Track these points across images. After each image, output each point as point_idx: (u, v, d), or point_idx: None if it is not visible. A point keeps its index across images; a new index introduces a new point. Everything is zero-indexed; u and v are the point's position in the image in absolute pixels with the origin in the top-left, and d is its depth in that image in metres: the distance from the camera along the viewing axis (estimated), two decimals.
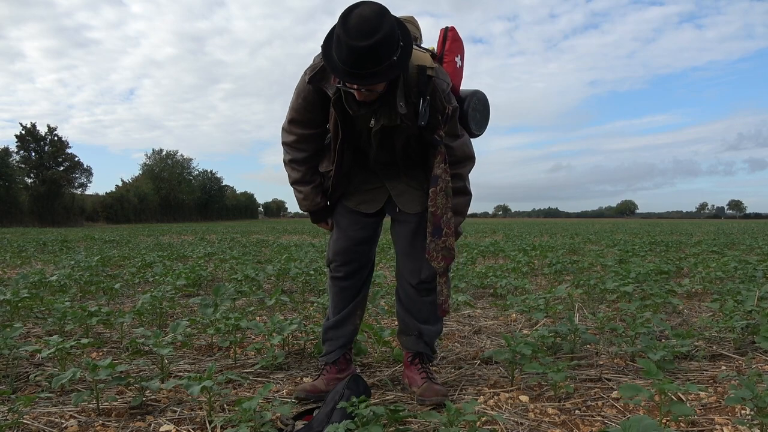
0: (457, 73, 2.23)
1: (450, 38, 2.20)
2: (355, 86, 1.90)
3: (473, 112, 2.30)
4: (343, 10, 1.81)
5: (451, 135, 2.20)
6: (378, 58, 1.78)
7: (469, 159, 2.29)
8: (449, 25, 2.23)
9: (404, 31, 1.89)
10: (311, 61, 2.12)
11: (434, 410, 2.10)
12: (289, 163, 2.34)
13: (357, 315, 2.44)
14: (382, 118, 2.07)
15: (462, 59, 2.26)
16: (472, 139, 2.33)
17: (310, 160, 2.32)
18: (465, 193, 2.30)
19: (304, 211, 2.43)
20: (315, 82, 2.07)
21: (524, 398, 2.25)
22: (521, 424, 1.98)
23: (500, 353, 2.49)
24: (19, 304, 3.88)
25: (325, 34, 1.92)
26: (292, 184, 2.37)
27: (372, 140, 2.17)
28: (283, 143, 2.32)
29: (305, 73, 2.10)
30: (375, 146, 2.19)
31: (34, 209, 47.58)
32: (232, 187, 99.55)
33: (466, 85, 2.34)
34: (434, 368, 2.66)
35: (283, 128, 2.30)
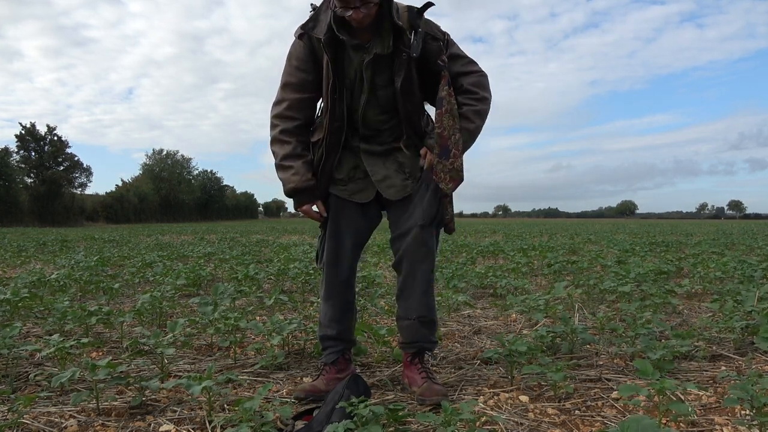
0: None
1: None
2: (353, 5, 1.98)
3: None
4: None
5: (469, 62, 2.24)
6: None
7: (489, 87, 2.28)
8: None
9: None
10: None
11: (432, 411, 2.10)
12: (278, 137, 2.26)
13: (353, 328, 2.44)
14: (374, 47, 2.12)
15: None
16: None
17: (300, 131, 2.27)
18: (485, 105, 2.26)
19: (291, 192, 2.25)
20: (308, 30, 2.13)
21: (524, 398, 2.25)
22: (521, 424, 1.98)
23: (491, 352, 2.50)
24: (19, 304, 3.88)
25: None
26: (280, 160, 2.25)
27: (365, 80, 2.16)
28: (273, 117, 2.28)
29: (295, 34, 2.20)
30: (367, 88, 2.18)
31: (34, 209, 47.59)
32: (232, 187, 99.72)
33: None
34: (434, 368, 2.66)
35: (273, 104, 2.29)
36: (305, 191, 2.25)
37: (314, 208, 2.31)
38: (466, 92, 2.22)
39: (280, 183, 2.29)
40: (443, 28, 2.23)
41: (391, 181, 2.28)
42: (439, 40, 2.15)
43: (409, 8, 2.15)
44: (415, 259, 2.28)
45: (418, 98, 2.24)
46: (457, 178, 2.20)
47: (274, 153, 2.29)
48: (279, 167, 2.27)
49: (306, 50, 2.19)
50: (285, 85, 2.26)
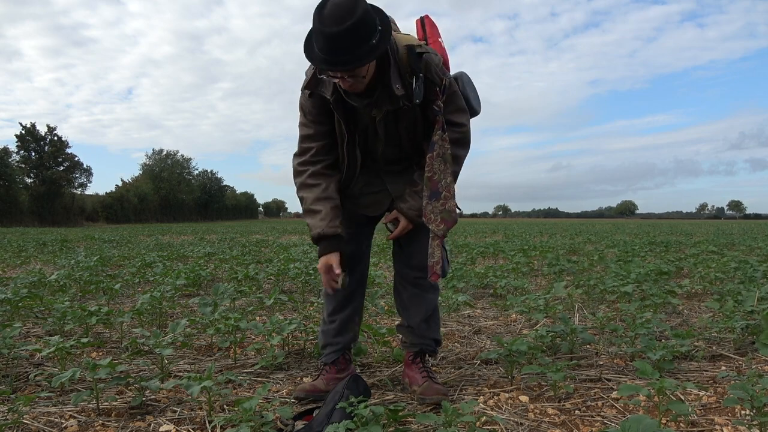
0: (444, 52, 2.27)
1: (428, 24, 2.29)
2: (338, 74, 1.91)
3: (470, 91, 2.33)
4: (318, 3, 1.85)
5: (459, 110, 2.20)
6: (354, 41, 1.81)
7: (469, 143, 2.27)
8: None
9: (382, 16, 1.92)
10: (304, 77, 2.15)
11: (433, 410, 2.10)
12: (306, 181, 2.18)
13: (355, 321, 2.42)
14: (384, 104, 2.08)
15: (442, 41, 2.32)
16: (472, 118, 2.33)
17: (330, 170, 2.21)
18: (455, 180, 2.24)
19: (317, 237, 2.12)
20: (312, 88, 2.09)
21: (524, 398, 2.25)
22: (521, 424, 1.99)
23: (491, 353, 2.51)
24: (19, 304, 3.88)
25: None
26: (309, 204, 2.16)
27: (378, 131, 2.16)
28: (298, 164, 2.21)
29: (302, 90, 2.15)
30: (383, 137, 2.17)
31: (34, 209, 47.60)
32: (232, 187, 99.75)
33: None
34: (434, 368, 2.66)
35: (296, 155, 2.23)
36: (331, 239, 2.13)
37: (333, 265, 2.13)
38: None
39: (309, 228, 2.18)
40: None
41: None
42: (437, 84, 2.10)
43: (409, 49, 2.05)
44: (416, 295, 2.35)
45: (423, 132, 2.21)
46: (450, 219, 2.16)
47: (302, 199, 2.20)
48: (307, 212, 2.18)
49: (317, 104, 2.15)
50: (304, 137, 2.20)
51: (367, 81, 1.99)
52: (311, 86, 2.09)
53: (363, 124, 2.16)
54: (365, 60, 1.86)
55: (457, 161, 2.22)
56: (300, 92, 2.18)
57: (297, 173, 2.23)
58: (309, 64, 2.06)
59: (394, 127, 2.16)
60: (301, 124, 2.22)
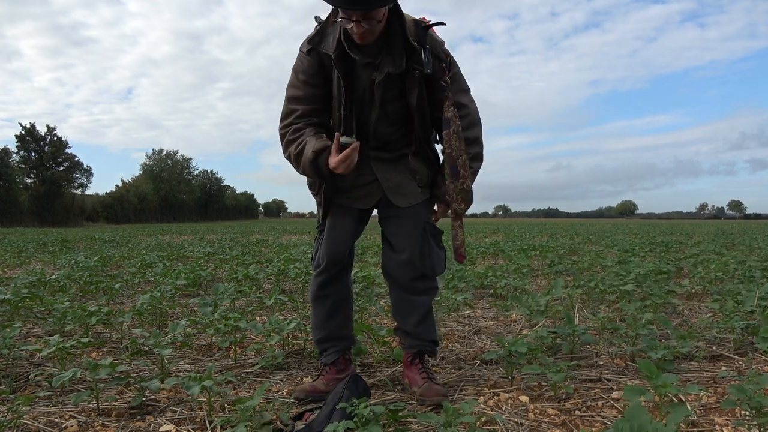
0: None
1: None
2: (354, 18, 1.91)
3: None
4: None
5: (462, 91, 2.22)
6: None
7: (480, 121, 2.28)
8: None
9: None
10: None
11: (433, 411, 2.10)
12: (289, 137, 2.12)
13: (349, 326, 2.43)
14: (386, 65, 2.08)
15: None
16: None
17: (313, 129, 2.14)
18: (481, 160, 2.27)
19: (313, 156, 2.03)
20: (315, 45, 2.09)
21: (524, 398, 2.25)
22: (521, 424, 1.99)
23: (491, 354, 2.51)
24: (19, 304, 3.88)
25: None
26: (295, 149, 2.09)
27: (375, 95, 2.13)
28: (282, 128, 2.17)
29: (301, 48, 2.14)
30: (378, 105, 2.15)
31: (34, 209, 47.64)
32: (232, 188, 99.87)
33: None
34: (434, 368, 2.66)
35: (280, 119, 2.20)
36: (326, 149, 2.04)
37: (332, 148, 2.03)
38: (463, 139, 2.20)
39: (305, 172, 2.13)
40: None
41: (403, 189, 2.26)
42: (442, 60, 2.12)
43: (416, 23, 2.08)
44: (408, 300, 2.34)
45: (429, 111, 2.21)
46: (468, 199, 2.19)
47: (289, 156, 2.15)
48: (296, 156, 2.11)
49: (314, 64, 2.12)
50: (291, 98, 2.17)
51: (380, 30, 2.00)
52: (314, 42, 2.09)
53: (360, 90, 2.14)
54: (383, 2, 1.89)
55: (477, 142, 2.24)
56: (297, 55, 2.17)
57: (281, 137, 2.20)
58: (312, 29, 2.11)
59: (393, 95, 2.14)
60: (290, 86, 2.18)
